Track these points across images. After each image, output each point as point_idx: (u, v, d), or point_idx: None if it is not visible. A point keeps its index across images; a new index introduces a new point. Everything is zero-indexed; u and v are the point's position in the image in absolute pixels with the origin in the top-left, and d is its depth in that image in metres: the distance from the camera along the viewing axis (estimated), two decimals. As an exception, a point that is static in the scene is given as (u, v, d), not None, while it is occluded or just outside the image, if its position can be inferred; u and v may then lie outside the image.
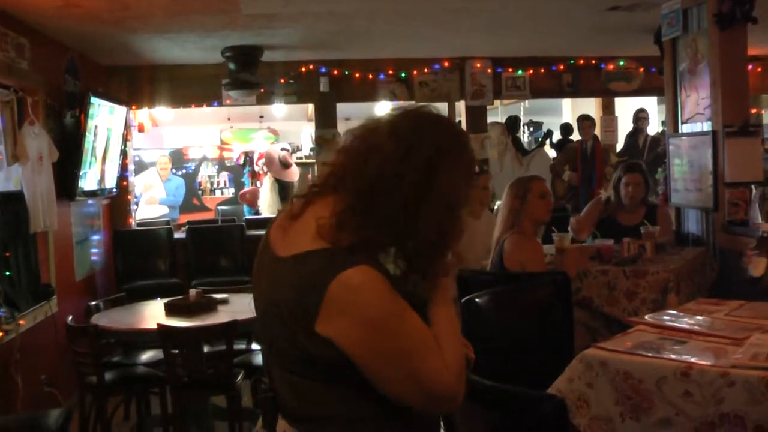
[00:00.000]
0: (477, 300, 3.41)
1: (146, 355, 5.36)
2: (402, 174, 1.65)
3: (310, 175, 11.74)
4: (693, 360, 2.58)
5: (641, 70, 8.41)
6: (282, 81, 8.00)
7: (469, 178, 1.78)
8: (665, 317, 3.24)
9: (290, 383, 1.73)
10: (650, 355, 2.68)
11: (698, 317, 3.18)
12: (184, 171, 13.22)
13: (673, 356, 2.63)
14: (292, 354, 1.68)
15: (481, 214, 5.34)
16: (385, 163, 1.67)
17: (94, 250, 7.19)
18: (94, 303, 5.40)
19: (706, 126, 5.35)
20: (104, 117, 6.73)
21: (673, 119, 5.86)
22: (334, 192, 1.72)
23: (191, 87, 8.00)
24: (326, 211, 1.68)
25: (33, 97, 5.52)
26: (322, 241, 1.65)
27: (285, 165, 9.56)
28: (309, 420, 1.72)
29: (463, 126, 8.47)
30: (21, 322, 5.09)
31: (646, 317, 3.29)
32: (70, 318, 4.94)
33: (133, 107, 8.01)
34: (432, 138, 1.70)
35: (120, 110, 7.24)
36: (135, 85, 7.95)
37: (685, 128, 5.69)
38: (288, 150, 10.47)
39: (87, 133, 6.26)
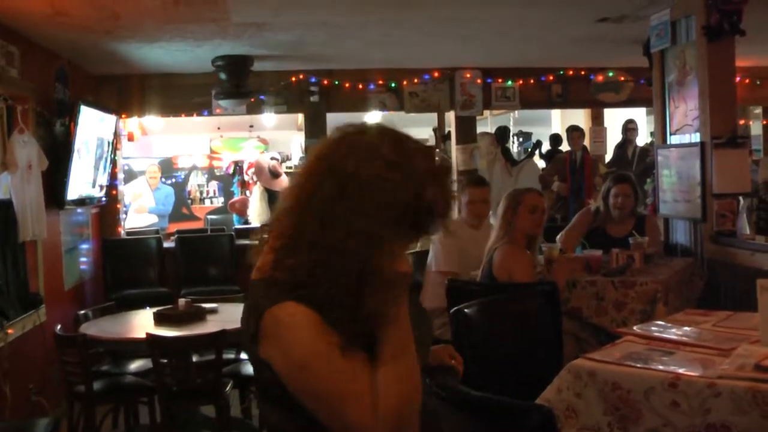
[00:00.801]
0: (466, 310, 3.42)
1: (135, 365, 5.34)
2: (323, 208, 1.62)
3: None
4: (681, 371, 2.59)
5: (630, 81, 8.45)
6: (272, 90, 8.00)
7: (384, 209, 1.61)
8: (653, 328, 3.25)
9: (261, 409, 1.71)
10: (638, 365, 2.69)
11: (686, 328, 3.20)
12: (173, 180, 13.21)
13: (661, 367, 2.64)
14: (257, 377, 1.71)
15: (479, 226, 5.35)
16: (316, 199, 1.64)
17: (83, 259, 7.17)
18: (82, 312, 5.39)
19: (695, 137, 5.38)
20: (94, 126, 6.71)
21: (661, 130, 5.89)
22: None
23: (181, 96, 8.00)
24: (276, 241, 1.68)
25: (23, 106, 5.50)
26: (266, 271, 1.66)
27: (275, 174, 9.55)
28: None
29: (453, 136, 8.50)
30: (9, 330, 5.07)
31: (634, 328, 3.31)
32: (59, 327, 4.93)
33: (123, 116, 8.00)
34: (353, 165, 1.64)
35: (110, 119, 7.24)
36: (125, 93, 7.94)
37: (673, 139, 5.72)
38: (278, 159, 10.47)
39: (76, 142, 6.25)
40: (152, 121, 9.33)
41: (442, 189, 1.68)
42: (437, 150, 1.79)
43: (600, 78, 8.51)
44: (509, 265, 4.43)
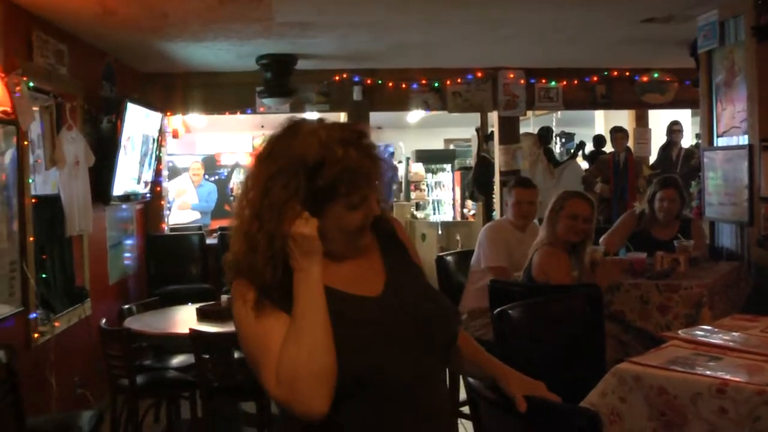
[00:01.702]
0: (510, 312, 3.40)
1: (177, 360, 5.40)
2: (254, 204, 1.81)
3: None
4: (728, 377, 2.56)
5: (676, 82, 8.36)
6: (315, 89, 8.03)
7: (283, 185, 1.75)
8: (699, 333, 3.21)
9: None
10: (685, 370, 2.65)
11: (733, 333, 3.15)
12: (216, 177, 13.27)
13: (708, 372, 2.60)
14: None
15: (525, 228, 5.30)
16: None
17: (127, 254, 7.26)
18: (127, 306, 5.46)
19: (742, 139, 5.30)
20: (139, 123, 6.79)
21: (708, 132, 5.81)
22: None
23: (225, 94, 8.07)
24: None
25: (71, 103, 5.59)
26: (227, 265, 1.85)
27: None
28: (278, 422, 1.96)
29: (496, 136, 8.47)
30: (56, 323, 5.15)
31: (679, 332, 3.27)
32: (104, 321, 4.99)
33: (168, 113, 8.08)
34: (273, 151, 1.83)
35: (155, 116, 7.32)
36: (170, 91, 8.03)
37: (720, 141, 5.65)
38: (319, 158, 10.52)
39: (122, 139, 6.33)
40: (196, 118, 9.42)
41: (333, 156, 1.77)
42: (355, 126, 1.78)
43: (645, 79, 8.42)
44: (546, 267, 4.39)
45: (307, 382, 1.66)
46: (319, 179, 1.76)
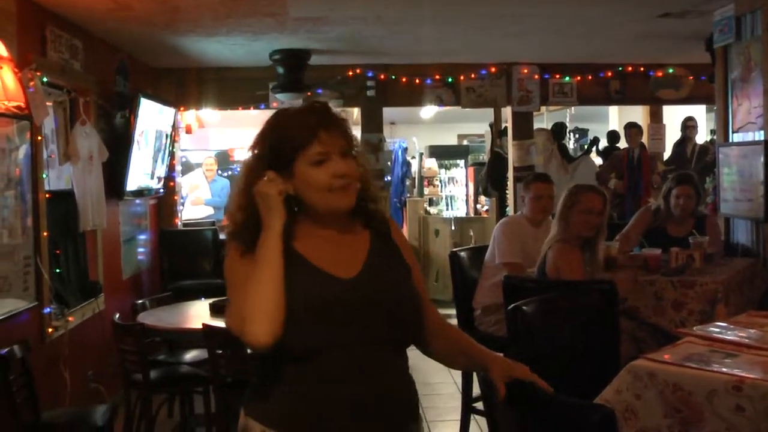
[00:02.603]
0: (524, 307, 3.39)
1: (190, 355, 5.41)
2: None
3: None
4: (744, 374, 2.53)
5: (691, 77, 8.31)
6: (329, 84, 8.03)
7: (256, 156, 2.08)
8: (714, 329, 3.19)
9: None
10: (700, 367, 2.63)
11: (749, 330, 3.13)
12: (229, 172, 13.32)
13: (724, 369, 2.59)
14: None
15: (540, 223, 5.28)
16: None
17: (140, 249, 7.28)
18: (140, 301, 5.47)
19: (758, 135, 5.26)
20: (153, 118, 6.81)
21: (723, 128, 5.77)
22: None
23: (239, 89, 8.07)
24: None
25: (85, 98, 5.60)
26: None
27: (329, 168, 9.60)
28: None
29: (509, 132, 8.44)
30: (70, 318, 5.17)
31: (694, 329, 3.24)
32: (117, 316, 5.01)
33: (181, 109, 8.09)
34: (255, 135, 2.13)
35: (168, 111, 7.33)
36: (183, 86, 8.04)
37: (735, 137, 5.60)
38: (333, 153, 10.51)
39: (135, 134, 6.34)
40: (209, 114, 9.42)
41: (286, 129, 2.06)
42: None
43: (659, 74, 8.38)
44: (559, 264, 4.37)
45: (252, 317, 1.92)
46: (277, 139, 2.05)
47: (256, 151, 2.08)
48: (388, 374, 2.07)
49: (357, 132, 9.52)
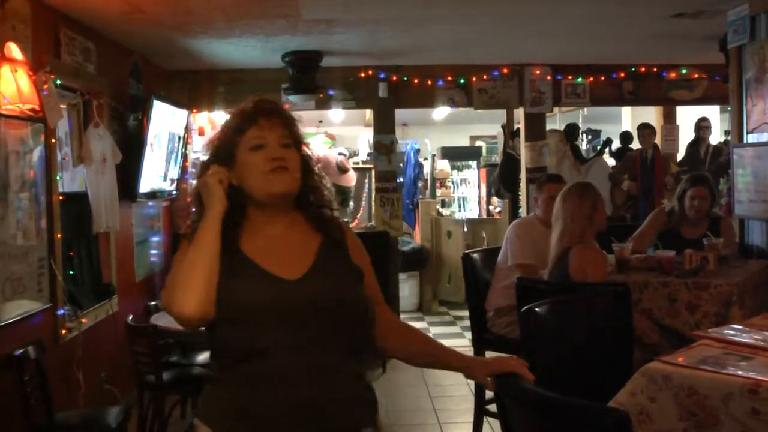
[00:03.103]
0: (537, 309, 3.38)
1: (203, 356, 5.42)
2: None
3: (366, 180, 11.79)
4: (760, 377, 2.52)
5: (704, 78, 8.27)
6: (341, 86, 8.03)
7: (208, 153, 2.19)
8: (729, 332, 3.17)
9: None
10: (715, 370, 2.62)
11: (764, 332, 3.10)
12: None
13: (740, 372, 2.57)
14: None
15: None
16: None
17: (153, 251, 7.29)
18: (153, 303, 5.49)
19: (773, 136, 5.23)
20: (165, 120, 6.82)
21: (738, 129, 5.73)
22: None
23: (251, 91, 7.89)
24: None
25: (98, 100, 5.62)
26: None
27: (342, 170, 9.59)
28: None
29: (522, 133, 8.42)
30: (83, 320, 5.19)
31: (709, 331, 3.22)
32: (130, 317, 5.02)
33: (194, 111, 8.11)
34: None
35: (181, 113, 7.34)
36: (195, 88, 8.06)
37: (750, 138, 5.57)
38: (345, 155, 10.51)
39: (148, 136, 6.35)
40: (222, 116, 9.43)
41: (227, 122, 2.20)
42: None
43: (673, 75, 8.34)
44: (586, 265, 4.35)
45: (181, 290, 1.99)
46: (222, 131, 2.18)
47: (206, 154, 2.20)
48: (336, 378, 2.07)
49: (369, 134, 9.54)
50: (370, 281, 2.26)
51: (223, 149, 2.14)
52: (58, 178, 4.99)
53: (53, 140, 4.88)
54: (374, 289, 2.28)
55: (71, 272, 5.34)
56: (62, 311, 4.91)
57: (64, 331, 4.92)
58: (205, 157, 2.20)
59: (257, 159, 2.09)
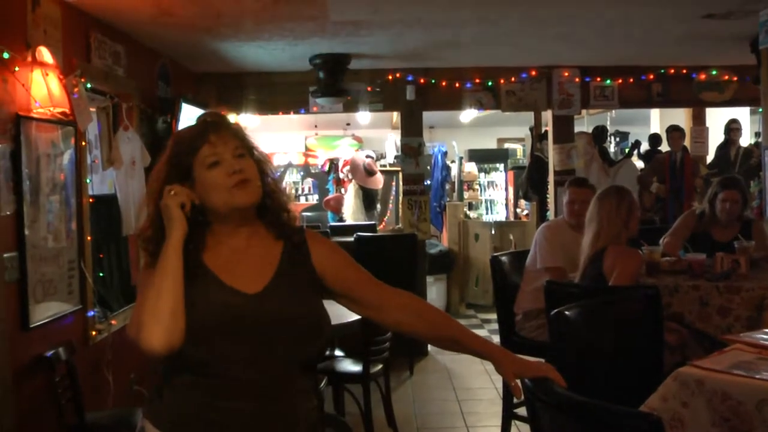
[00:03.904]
0: (566, 312, 3.36)
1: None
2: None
3: (393, 183, 11.79)
4: (795, 382, 2.48)
5: (735, 79, 8.19)
6: (369, 89, 8.03)
7: (155, 174, 2.19)
8: (762, 336, 3.13)
9: None
10: (749, 375, 2.58)
11: (798, 337, 3.07)
12: (269, 176, 13.36)
13: (774, 377, 2.54)
14: None
15: (581, 228, 5.19)
16: None
17: (181, 253, 7.31)
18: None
19: (806, 138, 5.17)
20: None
21: (769, 130, 5.68)
22: None
23: (278, 94, 8.10)
24: None
25: (127, 103, 5.65)
26: None
27: (370, 172, 9.61)
28: None
29: (550, 135, 8.38)
30: (113, 321, 5.22)
31: (741, 335, 3.19)
32: (159, 319, 5.03)
33: (222, 113, 8.12)
34: None
35: (209, 116, 7.35)
36: (223, 91, 8.08)
37: (782, 140, 5.52)
38: (373, 157, 10.53)
39: (178, 139, 6.38)
40: (249, 118, 9.47)
41: (180, 142, 2.19)
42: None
43: (702, 76, 8.25)
44: (618, 264, 4.34)
45: (146, 324, 1.97)
46: (174, 152, 2.16)
47: (156, 171, 2.19)
48: (286, 393, 2.10)
49: (396, 136, 9.53)
50: (348, 271, 2.28)
51: (178, 169, 2.13)
52: (88, 180, 5.02)
53: (83, 143, 4.91)
54: (358, 275, 2.29)
55: (101, 274, 5.37)
56: (92, 313, 4.95)
57: (94, 333, 4.95)
58: (155, 177, 2.19)
59: (217, 175, 2.10)
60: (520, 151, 15.01)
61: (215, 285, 2.08)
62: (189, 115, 6.60)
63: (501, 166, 14.32)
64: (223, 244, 2.15)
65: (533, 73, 8.12)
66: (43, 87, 4.22)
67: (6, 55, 3.93)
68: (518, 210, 12.53)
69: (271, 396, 2.06)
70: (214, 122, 2.20)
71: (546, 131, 8.78)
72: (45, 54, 4.29)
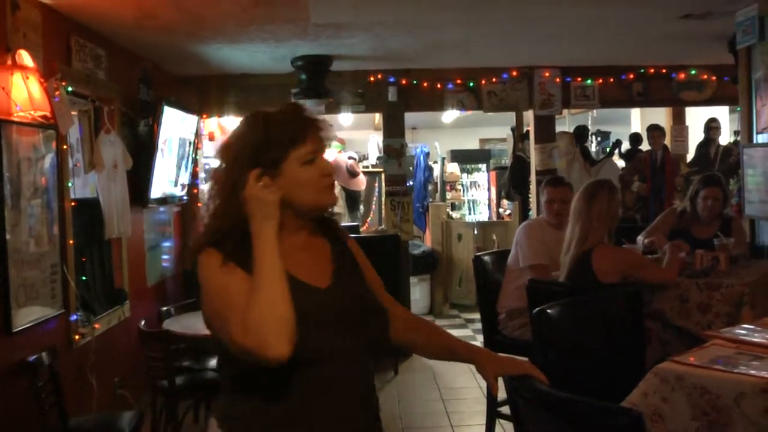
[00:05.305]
0: (549, 311, 3.38)
1: (215, 361, 5.42)
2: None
3: (376, 184, 11.81)
4: (773, 376, 2.52)
5: (713, 78, 8.26)
6: (351, 90, 8.04)
7: (237, 158, 2.00)
8: (741, 331, 3.16)
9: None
10: (728, 370, 2.62)
11: (777, 332, 3.10)
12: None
13: (752, 372, 2.57)
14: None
15: (561, 226, 5.19)
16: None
17: (165, 257, 7.32)
18: (165, 308, 5.50)
19: (783, 136, 5.22)
20: (176, 126, 6.84)
21: (747, 129, 5.73)
22: None
23: (260, 96, 8.09)
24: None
25: (109, 107, 5.65)
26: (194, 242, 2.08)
27: (352, 174, 9.62)
28: (219, 399, 2.14)
29: (531, 135, 8.42)
30: (96, 325, 5.21)
31: (721, 331, 3.22)
32: (143, 322, 5.04)
33: (204, 116, 8.13)
34: (228, 138, 2.09)
35: (191, 119, 7.37)
36: (205, 94, 8.08)
37: (760, 138, 5.56)
38: (355, 159, 10.54)
39: (159, 142, 6.38)
40: (232, 121, 9.46)
41: (275, 128, 2.02)
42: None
43: (682, 76, 8.32)
44: (621, 265, 4.41)
45: (271, 326, 1.80)
46: (265, 139, 2.00)
47: (233, 155, 2.02)
48: (366, 379, 2.12)
49: (379, 137, 9.54)
50: (375, 279, 2.29)
51: (266, 158, 1.98)
52: (69, 184, 5.02)
53: (65, 147, 4.91)
54: (380, 287, 2.29)
55: (84, 278, 5.36)
56: (75, 317, 4.94)
57: (77, 337, 4.95)
58: (232, 161, 2.02)
59: (312, 173, 2.02)
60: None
61: (291, 281, 1.94)
62: (171, 119, 6.60)
63: (483, 167, 14.36)
64: (286, 241, 2.01)
65: (514, 73, 8.16)
66: (23, 91, 4.21)
67: (-14, 60, 3.92)
68: (501, 210, 12.57)
69: (357, 386, 2.07)
70: (315, 120, 2.08)
71: (527, 131, 8.82)
72: (25, 57, 4.28)
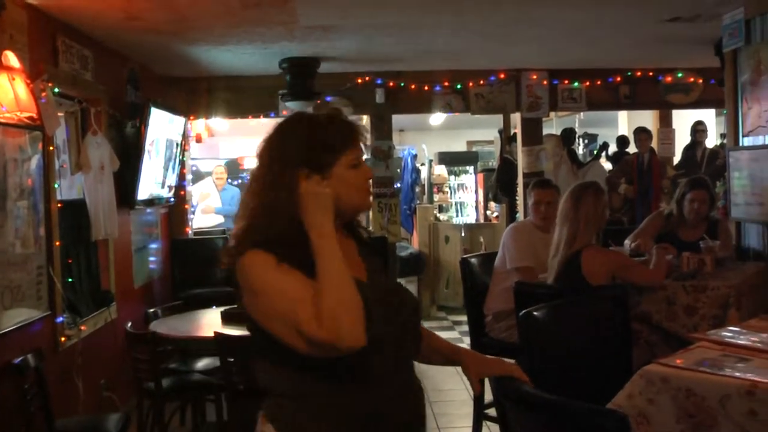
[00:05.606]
0: (535, 313, 3.39)
1: (202, 363, 5.42)
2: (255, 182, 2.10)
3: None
4: (757, 378, 2.53)
5: (700, 81, 8.30)
6: (338, 92, 8.04)
7: (284, 158, 2.02)
8: (727, 334, 3.18)
9: (252, 367, 2.12)
10: (713, 372, 2.63)
11: (761, 334, 3.12)
12: (240, 181, 13.35)
13: (737, 374, 2.58)
14: (251, 337, 2.06)
15: (547, 228, 5.17)
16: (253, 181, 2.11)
17: (152, 258, 7.30)
18: (152, 310, 5.48)
19: (769, 139, 5.25)
20: (163, 127, 6.83)
21: (733, 132, 5.75)
22: None
23: (248, 98, 8.09)
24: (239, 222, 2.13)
25: (96, 108, 5.63)
26: (234, 239, 2.07)
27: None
28: (268, 400, 2.05)
29: (519, 138, 8.45)
30: (82, 327, 5.20)
31: (707, 333, 3.24)
32: (129, 324, 5.02)
33: (191, 118, 8.12)
34: (269, 139, 2.11)
35: (178, 120, 7.35)
36: (193, 95, 8.07)
37: (746, 141, 5.59)
38: (342, 161, 10.49)
39: (146, 143, 6.36)
40: (219, 122, 9.46)
41: (325, 132, 2.06)
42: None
43: (669, 79, 8.36)
44: (610, 266, 4.43)
45: (349, 316, 1.84)
46: (316, 142, 2.04)
47: (279, 155, 2.04)
48: (413, 373, 2.15)
49: (367, 139, 9.59)
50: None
51: (316, 161, 2.03)
52: (56, 185, 4.99)
53: (51, 148, 4.88)
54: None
55: (70, 280, 5.34)
56: (61, 319, 4.92)
57: (63, 339, 4.92)
58: (280, 164, 2.03)
59: (358, 177, 2.09)
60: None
61: None
62: (158, 120, 6.58)
63: (471, 169, 14.39)
64: None
65: (502, 76, 8.18)
66: (9, 91, 4.19)
67: (-28, 60, 3.90)
68: (488, 212, 12.60)
69: (407, 379, 2.11)
70: (360, 126, 2.17)
71: (515, 133, 8.85)
72: (11, 58, 4.27)
